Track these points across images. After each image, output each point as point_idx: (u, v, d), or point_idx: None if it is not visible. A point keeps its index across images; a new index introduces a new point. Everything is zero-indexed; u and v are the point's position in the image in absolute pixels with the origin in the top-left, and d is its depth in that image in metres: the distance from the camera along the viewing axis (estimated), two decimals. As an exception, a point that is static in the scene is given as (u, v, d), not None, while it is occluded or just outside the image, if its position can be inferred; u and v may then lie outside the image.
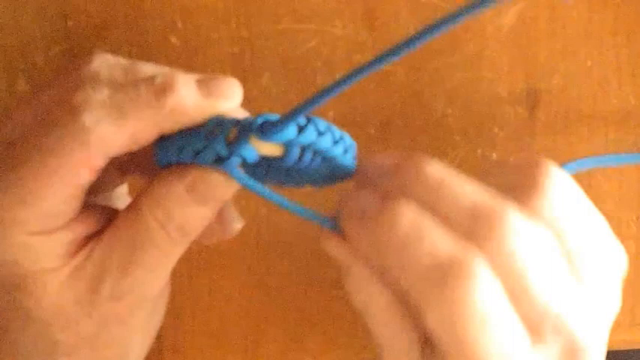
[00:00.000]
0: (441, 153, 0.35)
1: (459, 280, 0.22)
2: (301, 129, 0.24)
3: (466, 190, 0.23)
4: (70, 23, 0.34)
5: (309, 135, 0.24)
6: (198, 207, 0.25)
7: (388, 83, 0.35)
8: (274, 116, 0.24)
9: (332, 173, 0.27)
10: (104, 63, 0.25)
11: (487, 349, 0.22)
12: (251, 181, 0.25)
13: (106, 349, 0.26)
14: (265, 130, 0.24)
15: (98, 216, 0.26)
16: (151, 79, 0.24)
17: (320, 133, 0.25)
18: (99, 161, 0.24)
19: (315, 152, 0.25)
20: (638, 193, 0.36)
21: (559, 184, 0.24)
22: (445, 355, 0.23)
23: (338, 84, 0.22)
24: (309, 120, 0.25)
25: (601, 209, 0.26)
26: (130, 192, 0.32)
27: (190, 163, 0.25)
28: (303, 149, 0.25)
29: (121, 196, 0.31)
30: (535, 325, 0.23)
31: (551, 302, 0.23)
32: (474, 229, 0.23)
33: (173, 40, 0.34)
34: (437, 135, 0.35)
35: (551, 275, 0.23)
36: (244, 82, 0.26)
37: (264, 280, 0.35)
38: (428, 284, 0.22)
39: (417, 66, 0.35)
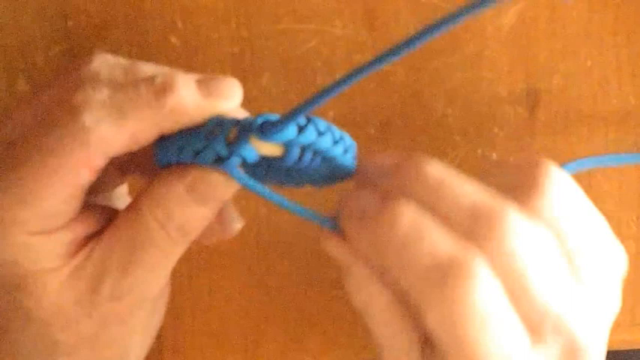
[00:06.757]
0: (441, 153, 0.35)
1: (459, 280, 0.22)
2: (301, 129, 0.24)
3: (466, 190, 0.23)
4: (70, 23, 0.34)
5: (309, 135, 0.24)
6: (198, 207, 0.25)
7: (388, 83, 0.35)
8: (274, 116, 0.24)
9: (332, 173, 0.27)
10: (104, 63, 0.25)
11: (487, 349, 0.22)
12: (251, 181, 0.25)
13: (106, 349, 0.26)
14: (265, 130, 0.24)
15: (98, 216, 0.26)
16: (150, 79, 0.24)
17: (320, 133, 0.25)
18: (99, 161, 0.24)
19: (315, 152, 0.25)
20: (638, 193, 0.36)
21: (559, 184, 0.24)
22: (445, 355, 0.23)
23: (338, 84, 0.22)
24: (309, 120, 0.25)
25: (601, 209, 0.26)
26: (130, 192, 0.32)
27: (190, 163, 0.25)
28: (303, 149, 0.25)
29: (121, 196, 0.31)
30: (535, 325, 0.23)
31: (551, 302, 0.23)
32: (473, 229, 0.23)
33: (173, 40, 0.34)
34: (437, 135, 0.35)
35: (551, 275, 0.23)
36: (244, 82, 0.26)
37: (264, 280, 0.35)
38: (428, 284, 0.22)
39: (417, 66, 0.35)
